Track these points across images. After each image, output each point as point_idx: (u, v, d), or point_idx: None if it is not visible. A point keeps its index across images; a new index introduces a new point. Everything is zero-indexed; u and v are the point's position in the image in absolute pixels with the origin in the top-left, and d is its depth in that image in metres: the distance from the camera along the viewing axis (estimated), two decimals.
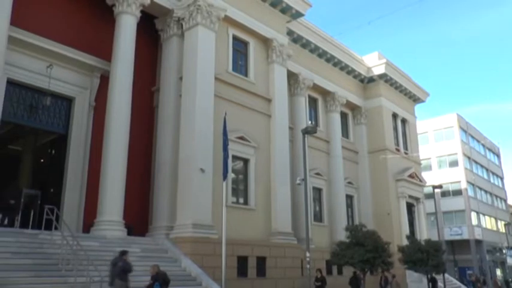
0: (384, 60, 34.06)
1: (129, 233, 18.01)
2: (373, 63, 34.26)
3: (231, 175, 19.67)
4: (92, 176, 18.90)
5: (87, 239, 16.18)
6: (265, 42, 24.14)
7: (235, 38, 22.65)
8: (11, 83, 17.77)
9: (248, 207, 21.06)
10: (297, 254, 21.93)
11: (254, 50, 23.52)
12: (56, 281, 12.92)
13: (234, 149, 19.96)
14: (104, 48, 19.98)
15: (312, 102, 30.33)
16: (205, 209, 18.46)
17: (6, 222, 16.47)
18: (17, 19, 16.88)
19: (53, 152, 21.26)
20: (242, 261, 19.17)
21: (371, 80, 34.30)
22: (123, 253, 12.90)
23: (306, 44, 28.80)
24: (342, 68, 32.16)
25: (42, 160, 23.06)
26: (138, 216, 19.81)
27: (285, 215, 22.29)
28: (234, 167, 20.86)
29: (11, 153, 23.19)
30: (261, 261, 20.19)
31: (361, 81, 34.31)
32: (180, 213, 18.62)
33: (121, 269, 12.30)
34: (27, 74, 18.16)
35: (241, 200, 21.05)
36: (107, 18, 20.11)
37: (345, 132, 32.93)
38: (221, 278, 15.34)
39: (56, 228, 15.42)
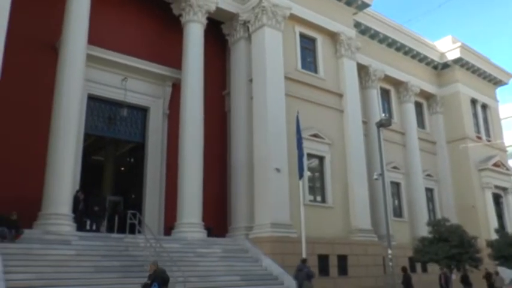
0: (459, 44, 32.30)
1: (209, 234, 18.40)
2: (447, 48, 32.56)
3: (307, 173, 19.51)
4: (170, 181, 19.52)
5: (169, 241, 16.71)
6: (333, 36, 23.75)
7: (302, 36, 22.52)
8: (91, 98, 18.83)
9: (326, 205, 20.82)
10: (378, 252, 21.34)
11: (322, 45, 23.24)
12: (142, 282, 13.36)
13: (308, 147, 19.78)
14: (173, 58, 20.56)
15: (385, 93, 29.42)
16: (283, 208, 18.49)
17: (94, 227, 17.33)
18: (93, 38, 17.78)
19: (132, 159, 22.20)
20: (323, 260, 18.92)
21: (445, 65, 32.64)
22: (305, 260, 15.76)
23: (374, 35, 28.00)
24: (413, 56, 30.91)
25: (122, 168, 24.16)
26: (217, 218, 20.19)
27: (363, 212, 21.80)
28: (310, 165, 20.70)
29: (94, 163, 24.44)
30: (342, 260, 19.82)
31: (435, 68, 32.76)
32: (258, 213, 18.77)
33: (307, 273, 15.12)
34: (105, 88, 19.15)
35: (318, 198, 20.86)
36: (175, 28, 20.69)
37: (421, 123, 31.54)
38: None
39: (139, 231, 16.20)
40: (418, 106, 31.67)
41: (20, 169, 16.07)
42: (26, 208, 14.82)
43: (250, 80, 20.78)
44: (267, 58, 20.07)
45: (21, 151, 16.26)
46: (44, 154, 15.78)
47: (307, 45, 22.83)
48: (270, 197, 18.45)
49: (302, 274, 15.23)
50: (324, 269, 18.97)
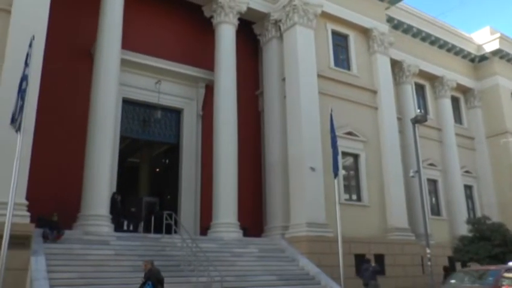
0: (497, 35, 31.13)
1: (245, 234, 18.48)
2: (484, 39, 31.46)
3: (341, 172, 19.32)
4: (205, 181, 19.69)
5: (206, 241, 16.84)
6: (365, 32, 23.45)
7: (334, 33, 22.32)
8: (125, 102, 19.17)
9: (361, 203, 20.59)
10: (416, 251, 20.91)
11: (354, 42, 22.99)
12: (180, 281, 13.60)
13: (342, 145, 19.54)
14: (206, 59, 20.77)
15: (419, 89, 28.72)
16: (319, 207, 18.38)
17: (131, 228, 17.67)
18: (127, 43, 18.12)
19: (167, 161, 22.47)
20: (360, 260, 18.65)
21: (483, 58, 31.56)
22: (368, 260, 17.12)
23: (407, 29, 27.43)
24: (448, 50, 30.07)
25: (157, 169, 24.49)
26: (252, 218, 20.22)
27: (400, 210, 21.39)
28: (344, 163, 20.49)
29: (130, 165, 24.90)
30: (379, 259, 19.40)
31: (472, 60, 31.71)
32: (294, 212, 18.70)
33: (372, 272, 16.16)
34: (139, 92, 19.46)
35: (354, 197, 20.66)
36: (207, 29, 20.90)
37: (458, 118, 30.60)
38: (339, 276, 15.10)
39: (175, 232, 16.43)
40: (455, 101, 30.73)
41: (60, 172, 16.52)
42: (65, 210, 15.28)
43: (283, 79, 20.74)
44: (299, 57, 19.99)
45: (60, 154, 16.71)
46: (81, 157, 16.20)
47: (340, 42, 22.62)
48: (305, 196, 18.37)
49: (368, 273, 16.03)
50: (361, 269, 18.70)
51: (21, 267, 11.93)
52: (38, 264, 12.06)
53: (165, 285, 13.05)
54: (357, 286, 16.48)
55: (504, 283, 11.12)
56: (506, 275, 12.03)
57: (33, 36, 11.78)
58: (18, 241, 11.59)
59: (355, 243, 18.55)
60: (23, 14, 14.33)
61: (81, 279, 12.41)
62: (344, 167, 20.35)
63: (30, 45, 11.70)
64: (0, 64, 13.75)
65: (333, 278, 16.02)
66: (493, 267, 13.83)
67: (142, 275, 13.17)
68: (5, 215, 9.81)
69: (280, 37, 21.39)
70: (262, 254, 17.05)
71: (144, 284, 11.01)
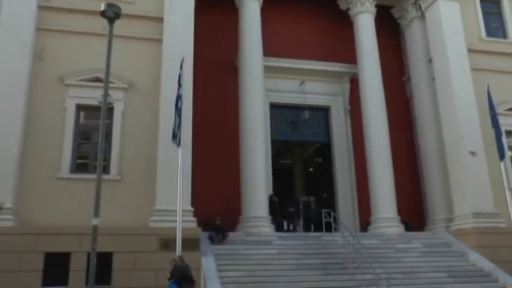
0: None
1: (406, 229, 17.75)
2: None
3: (508, 153, 17.38)
4: (360, 176, 19.42)
5: (367, 238, 16.58)
6: None
7: (482, 0, 20.30)
8: (272, 106, 19.84)
9: None
10: None
11: (509, 5, 20.60)
12: (344, 279, 13.63)
13: (504, 123, 17.52)
14: (347, 53, 20.50)
15: None
16: (485, 195, 16.81)
17: (291, 227, 18.20)
18: (267, 49, 18.66)
19: (319, 159, 22.62)
20: None
21: None
22: None
23: None
24: None
25: (311, 169, 24.79)
26: (413, 211, 19.32)
27: None
28: (509, 144, 18.36)
29: (284, 167, 25.58)
30: None
31: None
32: (457, 203, 17.42)
33: None
34: (284, 95, 19.96)
35: None
36: (343, 23, 20.67)
37: None
38: None
39: (335, 229, 16.54)
40: None
41: (219, 179, 17.81)
42: (227, 213, 16.39)
43: (430, 61, 19.51)
44: (445, 33, 18.62)
45: (218, 163, 18.02)
46: (237, 163, 17.19)
47: (491, 9, 20.48)
48: (468, 183, 16.95)
49: None
50: None
51: (194, 266, 12.95)
52: (208, 263, 13.16)
53: (329, 282, 13.21)
54: None
55: None
56: None
57: (183, 59, 13.05)
58: (189, 244, 12.82)
59: None
60: (172, 41, 15.80)
61: (248, 277, 13.23)
62: (510, 148, 18.28)
63: (181, 67, 12.97)
64: (159, 88, 15.32)
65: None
66: None
67: (305, 273, 13.66)
68: (175, 221, 10.97)
69: (422, 16, 20.17)
70: (427, 249, 16.18)
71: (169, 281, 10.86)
